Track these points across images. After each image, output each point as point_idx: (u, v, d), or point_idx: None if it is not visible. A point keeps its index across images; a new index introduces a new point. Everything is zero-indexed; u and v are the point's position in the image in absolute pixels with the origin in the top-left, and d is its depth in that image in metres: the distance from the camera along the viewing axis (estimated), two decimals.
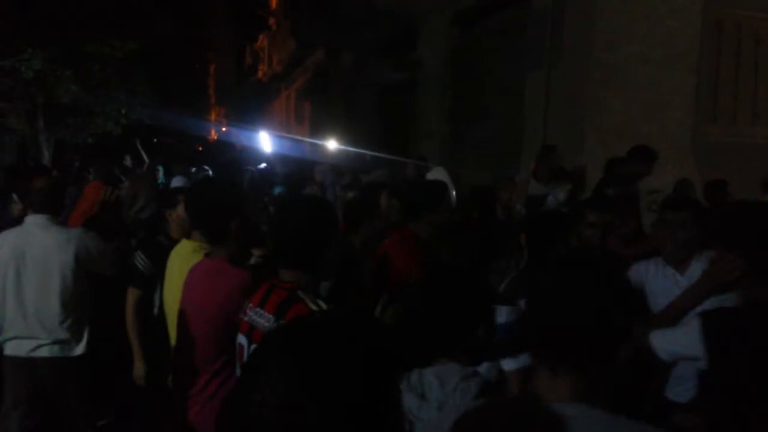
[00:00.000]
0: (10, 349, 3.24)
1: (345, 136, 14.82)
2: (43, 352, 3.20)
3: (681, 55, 7.13)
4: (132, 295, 3.36)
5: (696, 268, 2.63)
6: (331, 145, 12.97)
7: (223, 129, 33.99)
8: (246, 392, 0.83)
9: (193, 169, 10.61)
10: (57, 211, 3.37)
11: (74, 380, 3.27)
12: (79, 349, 3.26)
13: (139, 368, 3.37)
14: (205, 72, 37.23)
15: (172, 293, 2.65)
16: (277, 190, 6.62)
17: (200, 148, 22.40)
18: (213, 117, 38.91)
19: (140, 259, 3.41)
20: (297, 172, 9.28)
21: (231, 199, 2.56)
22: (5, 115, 11.52)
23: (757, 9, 7.75)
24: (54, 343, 3.20)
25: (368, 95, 14.32)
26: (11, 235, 3.25)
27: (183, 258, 2.72)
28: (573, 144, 6.95)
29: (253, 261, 2.70)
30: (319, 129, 17.70)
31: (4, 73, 10.21)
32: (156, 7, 13.75)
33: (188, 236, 2.92)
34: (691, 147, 7.25)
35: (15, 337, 3.22)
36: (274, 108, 27.92)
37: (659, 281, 2.76)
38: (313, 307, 1.85)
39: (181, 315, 2.43)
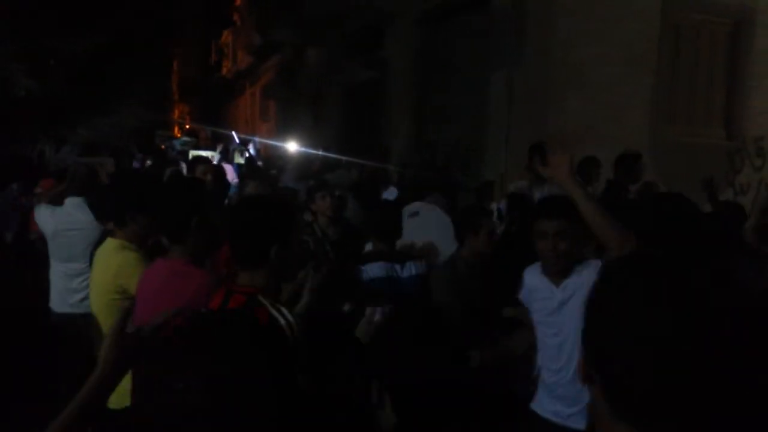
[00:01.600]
0: (53, 304, 3.99)
1: (311, 135, 14.73)
2: (75, 308, 3.87)
3: (640, 57, 7.28)
4: None
5: (573, 281, 2.46)
6: (291, 146, 12.82)
7: (187, 126, 33.47)
8: (168, 381, 0.90)
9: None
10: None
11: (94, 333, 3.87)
12: None
13: None
14: (168, 68, 36.56)
15: (98, 293, 2.60)
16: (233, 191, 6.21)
17: (163, 147, 22.01)
18: (176, 114, 38.25)
19: None
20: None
21: (192, 196, 2.51)
22: None
23: (714, 13, 7.95)
24: (79, 300, 3.86)
25: (334, 93, 14.25)
26: (54, 212, 4.07)
27: (106, 256, 2.66)
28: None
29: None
30: (285, 127, 17.55)
31: None
32: (117, 2, 13.47)
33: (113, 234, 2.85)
34: (649, 147, 7.40)
35: (58, 294, 3.98)
36: (239, 105, 27.58)
37: (540, 290, 2.61)
38: (274, 312, 1.79)
39: (140, 321, 2.35)
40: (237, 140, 15.94)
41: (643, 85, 7.34)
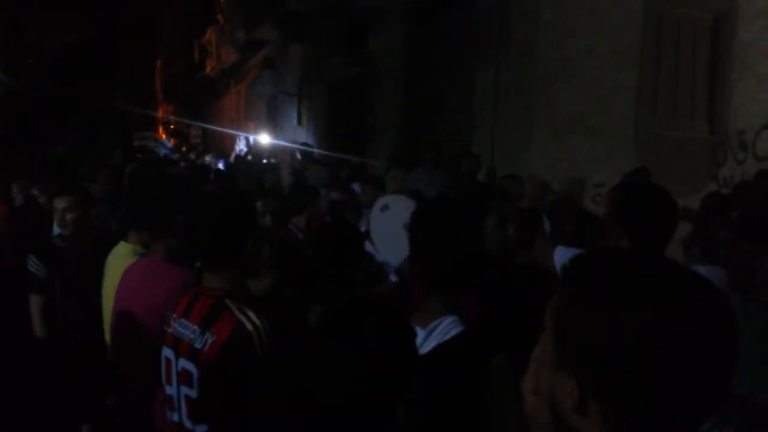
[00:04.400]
0: None
1: (298, 132, 14.67)
2: None
3: (625, 49, 7.32)
4: (36, 302, 3.25)
5: None
6: (264, 139, 12.79)
7: (172, 127, 33.22)
8: None
9: None
10: None
11: None
12: None
13: None
14: (151, 67, 36.27)
15: (109, 298, 2.52)
16: None
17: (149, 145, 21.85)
18: (161, 114, 37.92)
19: (33, 263, 3.28)
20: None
21: (177, 192, 2.49)
22: None
23: (695, 6, 8.03)
24: None
25: (320, 90, 14.20)
26: None
27: (119, 260, 2.58)
28: (522, 138, 7.06)
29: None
30: (271, 125, 17.46)
31: None
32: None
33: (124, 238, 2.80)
34: (634, 140, 7.47)
35: None
36: (224, 104, 27.40)
37: None
38: (241, 317, 1.75)
39: (118, 322, 2.29)
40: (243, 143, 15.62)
41: (629, 78, 7.39)
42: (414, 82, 10.01)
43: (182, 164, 10.41)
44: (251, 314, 1.75)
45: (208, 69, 29.49)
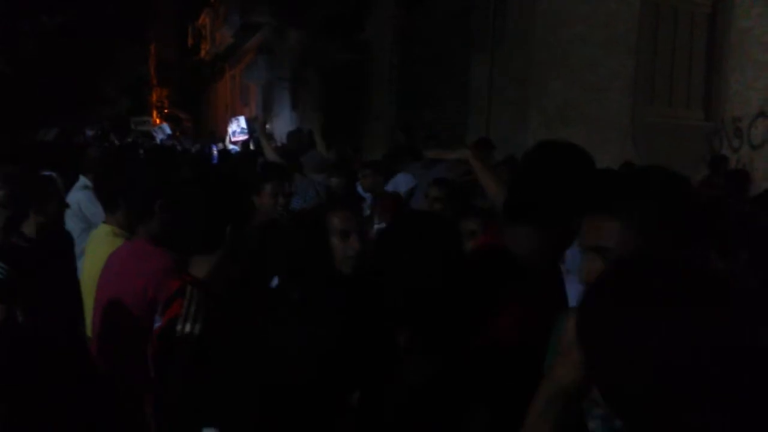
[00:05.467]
0: None
1: (292, 118, 14.61)
2: None
3: (620, 38, 7.28)
4: None
5: None
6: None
7: (165, 111, 33.04)
8: None
9: None
10: None
11: None
12: None
13: None
14: (145, 51, 35.96)
15: (89, 277, 2.50)
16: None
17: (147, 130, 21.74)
18: (155, 98, 37.66)
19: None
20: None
21: (156, 177, 2.47)
22: None
23: None
24: None
25: (315, 76, 14.10)
26: None
27: (99, 241, 2.58)
28: (517, 126, 7.04)
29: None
30: (265, 110, 17.37)
31: None
32: None
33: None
34: (630, 128, 7.45)
35: None
36: (219, 89, 27.21)
37: None
38: (182, 311, 1.65)
39: (100, 306, 2.26)
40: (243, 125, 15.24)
41: (624, 66, 7.36)
42: (409, 68, 9.94)
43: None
44: (192, 312, 1.65)
45: (202, 53, 29.26)
